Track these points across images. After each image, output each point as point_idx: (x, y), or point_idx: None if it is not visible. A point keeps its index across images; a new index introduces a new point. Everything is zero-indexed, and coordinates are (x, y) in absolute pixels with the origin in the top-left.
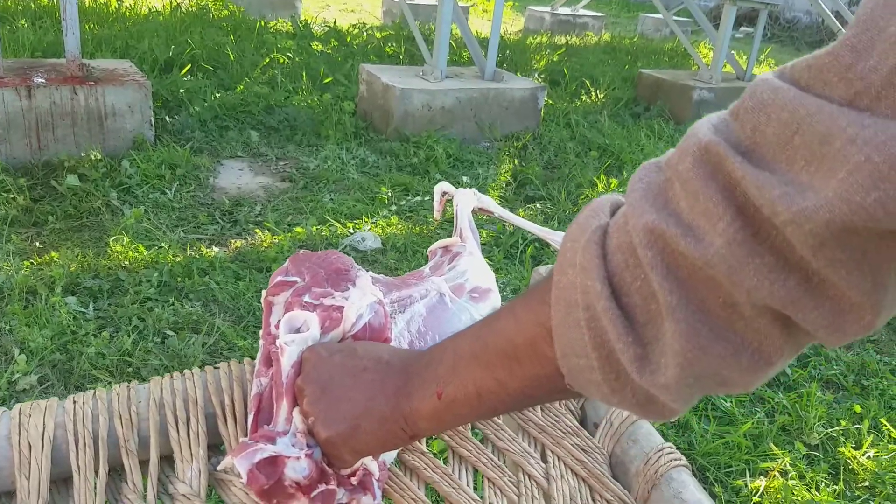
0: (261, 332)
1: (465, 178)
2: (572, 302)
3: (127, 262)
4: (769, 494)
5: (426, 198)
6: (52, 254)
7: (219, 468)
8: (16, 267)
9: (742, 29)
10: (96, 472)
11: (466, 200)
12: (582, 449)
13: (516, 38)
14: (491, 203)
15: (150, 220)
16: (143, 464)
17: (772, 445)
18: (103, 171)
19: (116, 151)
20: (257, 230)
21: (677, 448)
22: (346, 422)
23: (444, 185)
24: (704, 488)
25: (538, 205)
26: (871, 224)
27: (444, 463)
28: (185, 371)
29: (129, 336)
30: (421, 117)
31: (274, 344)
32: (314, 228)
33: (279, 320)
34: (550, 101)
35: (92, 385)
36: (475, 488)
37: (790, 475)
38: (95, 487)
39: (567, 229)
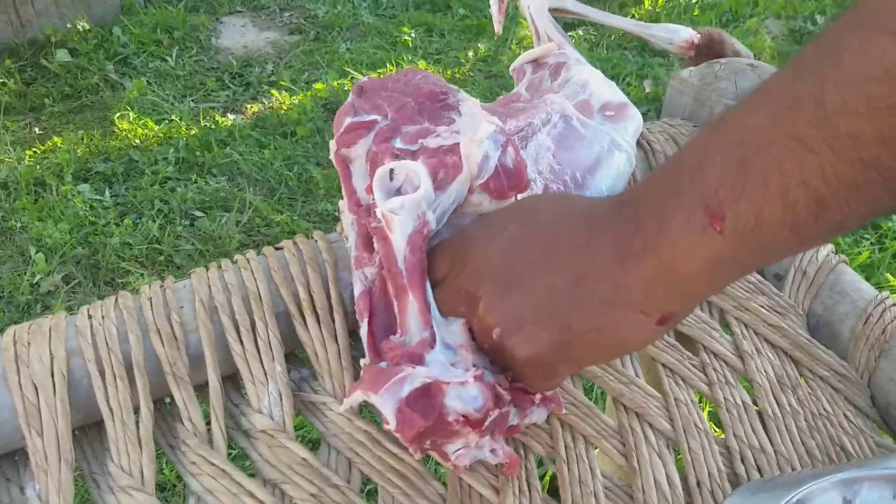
0: (340, 204)
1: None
2: None
3: (138, 141)
4: None
5: (452, 37)
6: (55, 139)
7: (342, 407)
8: (17, 158)
9: None
10: (136, 412)
11: (537, 0)
12: (776, 311)
13: None
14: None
15: (154, 91)
16: (201, 392)
17: (888, 275)
18: (94, 42)
19: (105, 19)
20: (273, 91)
21: None
22: (555, 324)
23: None
24: None
25: (580, 31)
26: None
27: None
28: (237, 257)
29: (154, 221)
30: None
31: (371, 216)
32: (335, 83)
33: (369, 183)
34: None
35: (123, 280)
36: (647, 380)
37: None
38: (139, 433)
39: None
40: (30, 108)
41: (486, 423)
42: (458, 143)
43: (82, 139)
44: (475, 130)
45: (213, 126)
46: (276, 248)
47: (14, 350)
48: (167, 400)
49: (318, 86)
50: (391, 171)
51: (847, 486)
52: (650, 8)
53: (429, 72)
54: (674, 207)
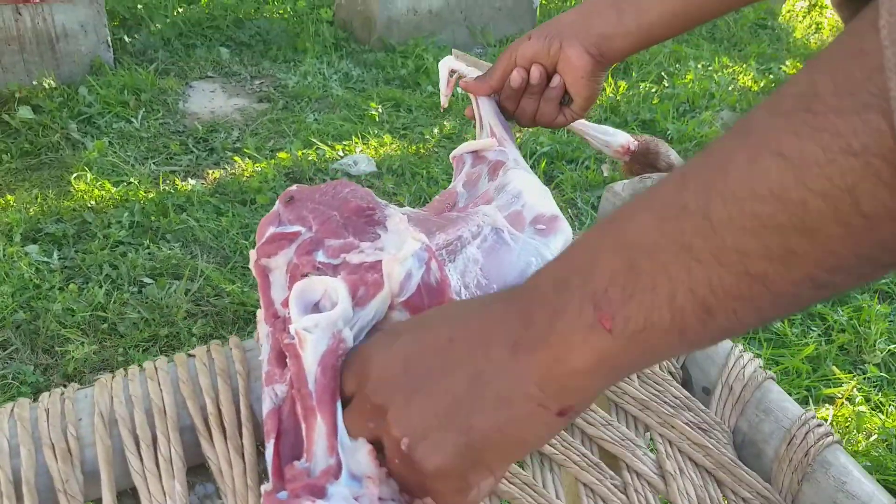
0: (258, 314)
1: (458, 89)
2: None
3: (93, 202)
4: (837, 424)
5: (419, 113)
6: (8, 197)
7: None
8: None
9: None
10: None
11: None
12: (700, 428)
13: None
14: None
15: (115, 152)
16: None
17: (834, 368)
18: (59, 100)
19: (72, 78)
20: (236, 158)
21: None
22: (458, 426)
23: (451, 61)
24: None
25: None
26: None
27: (521, 467)
28: (146, 364)
29: (101, 287)
30: (406, 23)
31: (286, 332)
32: (300, 153)
33: (286, 296)
34: (544, 1)
35: (62, 348)
36: (567, 497)
37: (857, 400)
38: None
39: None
40: None
41: None
42: (381, 261)
43: (36, 198)
44: (399, 248)
45: (171, 190)
46: (189, 356)
47: None
48: None
49: (282, 155)
50: (309, 286)
51: None
52: (611, 95)
53: (358, 185)
54: (565, 302)
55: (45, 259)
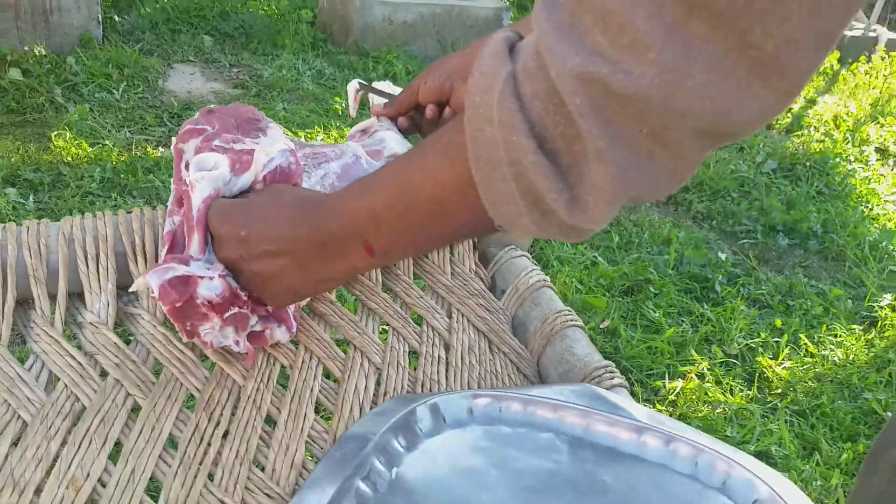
0: (172, 179)
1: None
2: (495, 159)
3: (69, 158)
4: (685, 395)
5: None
6: None
7: (132, 289)
8: None
9: None
10: (3, 300)
11: (381, 87)
12: (486, 309)
13: None
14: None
15: (94, 118)
16: (53, 298)
17: (692, 352)
18: (48, 67)
19: (62, 48)
20: None
21: (603, 353)
22: (290, 286)
23: (356, 83)
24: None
25: None
26: None
27: (353, 312)
28: (97, 213)
29: None
30: (382, 31)
31: (185, 184)
32: None
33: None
34: (514, 20)
35: None
36: (379, 336)
37: (707, 379)
38: (3, 312)
39: (470, 80)
40: None
41: (227, 315)
42: (254, 150)
43: (18, 150)
44: (271, 145)
45: (142, 155)
46: (127, 212)
47: None
48: (28, 299)
49: None
50: (204, 157)
51: (473, 398)
52: None
53: (253, 107)
54: (345, 240)
55: (22, 201)
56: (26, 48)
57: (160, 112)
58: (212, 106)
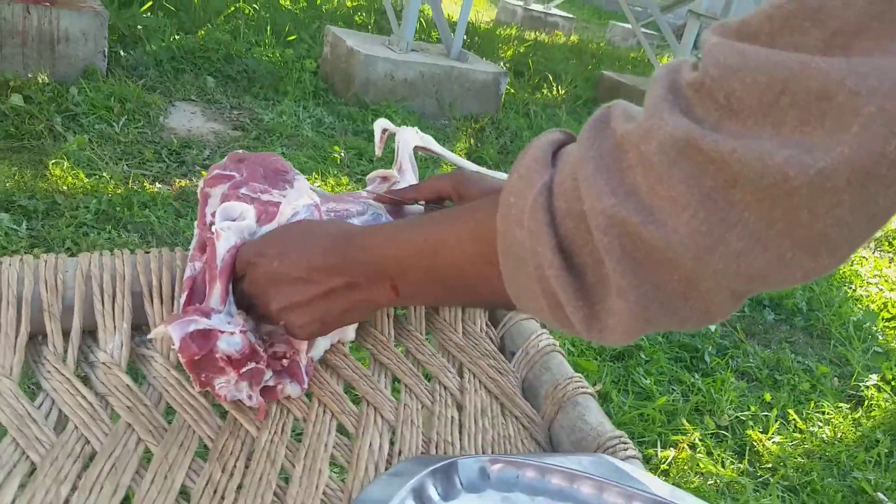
0: (195, 223)
1: (389, 143)
2: (521, 258)
3: (65, 187)
4: (677, 464)
5: (378, 164)
6: None
7: (150, 336)
8: None
9: None
10: (17, 333)
11: (408, 138)
12: (497, 371)
13: (487, 26)
14: (432, 142)
15: (93, 150)
16: (66, 334)
17: (684, 421)
18: (50, 95)
19: (66, 78)
20: (203, 172)
21: None
22: (317, 314)
23: (384, 122)
24: None
25: None
26: (892, 171)
27: (365, 366)
28: (115, 250)
29: None
30: (383, 86)
31: (209, 231)
32: None
33: (215, 210)
34: (512, 90)
35: None
36: (392, 393)
37: (698, 449)
38: (15, 346)
39: (509, 178)
40: None
41: (244, 370)
42: (280, 202)
43: (13, 175)
44: (297, 199)
45: (139, 189)
46: (145, 252)
47: None
48: (41, 334)
49: None
50: (231, 206)
51: (491, 463)
52: None
53: (281, 157)
54: (373, 275)
55: (14, 227)
56: (30, 75)
57: (159, 148)
58: (241, 151)
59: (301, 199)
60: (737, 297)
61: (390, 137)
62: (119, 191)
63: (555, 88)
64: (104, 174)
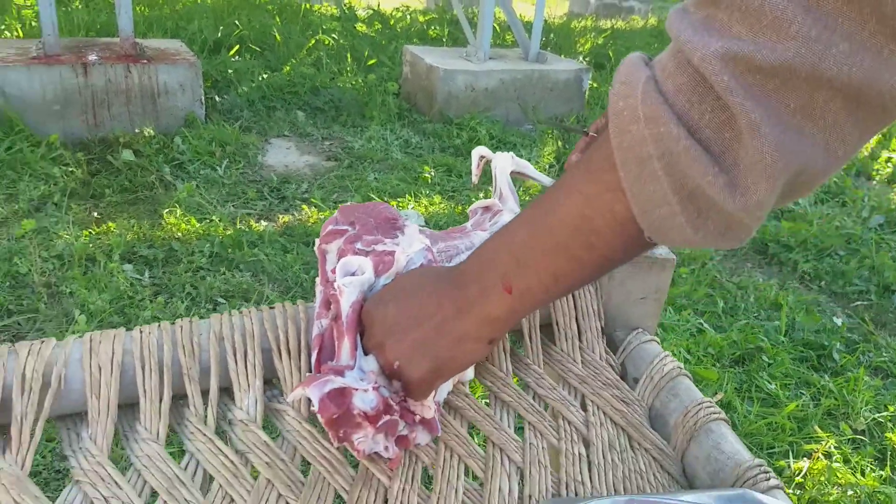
0: (317, 279)
1: (487, 168)
2: (644, 156)
3: (180, 234)
4: (812, 476)
5: (468, 179)
6: (110, 224)
7: (289, 398)
8: (75, 235)
9: None
10: (161, 398)
11: (504, 164)
12: (622, 400)
13: (561, 21)
14: (528, 167)
15: (201, 194)
16: (204, 393)
17: (816, 428)
18: (156, 147)
19: (169, 129)
20: (304, 206)
21: None
22: (429, 356)
23: (481, 150)
24: None
25: None
26: None
27: (486, 406)
28: (243, 309)
29: (182, 302)
30: (465, 98)
31: (332, 288)
32: None
33: (334, 266)
34: (595, 84)
35: None
36: (516, 431)
37: (835, 458)
38: (160, 411)
39: (610, 94)
40: (91, 195)
41: (380, 423)
42: (395, 251)
43: (133, 227)
44: (409, 245)
45: (246, 229)
46: (270, 308)
47: (90, 344)
48: (181, 395)
49: None
50: (349, 261)
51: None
52: None
53: (388, 205)
54: (485, 280)
55: (138, 276)
56: (136, 130)
57: (260, 186)
58: (350, 204)
59: (413, 244)
60: (849, 120)
61: (487, 164)
62: (229, 232)
63: None
64: (213, 217)
